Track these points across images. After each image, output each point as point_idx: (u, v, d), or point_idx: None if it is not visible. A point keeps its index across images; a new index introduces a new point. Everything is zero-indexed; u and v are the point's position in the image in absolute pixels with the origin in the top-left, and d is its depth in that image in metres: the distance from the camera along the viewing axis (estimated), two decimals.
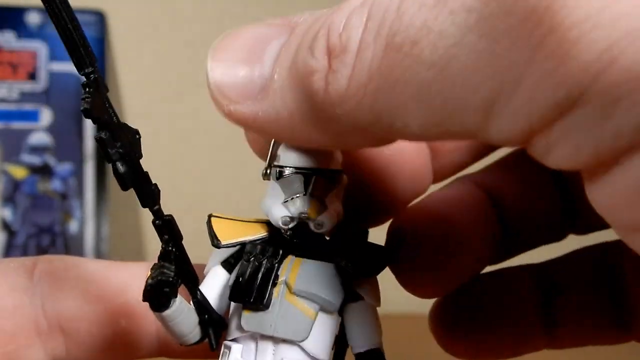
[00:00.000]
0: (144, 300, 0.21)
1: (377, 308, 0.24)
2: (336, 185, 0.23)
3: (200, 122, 0.90)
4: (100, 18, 0.81)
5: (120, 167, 0.20)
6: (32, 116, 0.78)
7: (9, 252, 0.75)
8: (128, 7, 0.87)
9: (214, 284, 0.24)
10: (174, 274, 0.22)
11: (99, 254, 0.77)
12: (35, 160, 0.78)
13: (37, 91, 0.78)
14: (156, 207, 0.21)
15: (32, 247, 0.76)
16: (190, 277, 0.23)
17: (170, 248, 0.22)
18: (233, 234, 0.23)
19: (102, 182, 0.79)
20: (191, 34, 0.90)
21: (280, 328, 0.22)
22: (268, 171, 0.24)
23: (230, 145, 0.92)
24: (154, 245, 0.89)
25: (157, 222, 0.21)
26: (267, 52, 0.21)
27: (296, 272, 0.22)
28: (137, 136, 0.21)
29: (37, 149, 0.78)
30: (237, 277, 0.22)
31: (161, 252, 0.22)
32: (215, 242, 0.23)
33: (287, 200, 0.23)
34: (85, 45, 0.20)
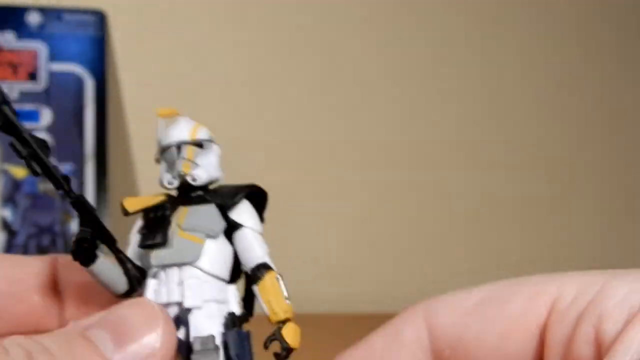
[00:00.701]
0: (74, 258, 0.28)
1: (259, 235, 0.29)
2: (205, 150, 0.31)
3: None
4: (100, 18, 0.81)
5: (29, 162, 0.27)
6: (32, 116, 0.78)
7: (9, 252, 0.75)
8: (128, 7, 0.87)
9: (133, 246, 0.30)
10: (90, 233, 0.28)
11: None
12: None
13: (37, 91, 0.78)
14: (67, 189, 0.27)
15: (32, 247, 0.76)
16: (108, 238, 0.29)
17: (84, 218, 0.28)
18: (138, 204, 0.31)
19: (102, 182, 0.79)
20: (191, 34, 0.90)
21: (176, 256, 0.28)
22: (158, 157, 0.31)
23: (230, 145, 0.92)
24: None
25: (72, 199, 0.28)
26: None
27: (184, 215, 0.29)
28: (44, 145, 0.27)
29: None
30: (141, 229, 0.30)
31: (79, 222, 0.28)
32: (124, 212, 0.31)
33: (168, 168, 0.30)
34: None
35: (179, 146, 0.30)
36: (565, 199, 1.06)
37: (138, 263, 0.30)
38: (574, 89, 1.07)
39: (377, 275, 0.96)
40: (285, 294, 0.29)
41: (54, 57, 0.79)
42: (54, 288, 0.31)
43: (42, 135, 0.78)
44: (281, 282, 0.29)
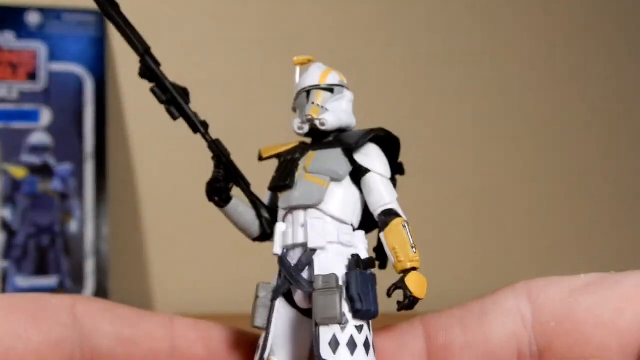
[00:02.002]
0: (209, 199, 0.30)
1: (387, 180, 0.29)
2: (337, 95, 0.31)
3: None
4: (100, 18, 0.81)
5: (168, 107, 0.29)
6: (32, 116, 0.78)
7: (8, 252, 0.75)
8: (128, 7, 0.87)
9: (268, 193, 0.31)
10: (223, 174, 0.30)
11: (98, 254, 0.77)
12: (35, 160, 0.78)
13: (37, 91, 0.78)
14: (205, 132, 0.30)
15: (31, 247, 0.76)
16: (242, 181, 0.30)
17: (220, 160, 0.30)
18: (273, 150, 0.31)
19: (102, 182, 0.79)
20: (191, 33, 0.90)
21: (302, 198, 0.28)
22: (294, 105, 0.32)
23: (229, 145, 0.92)
24: (153, 245, 0.89)
25: (208, 142, 0.30)
26: None
27: (311, 159, 0.29)
28: (186, 91, 0.29)
29: (37, 149, 0.78)
30: (273, 176, 0.30)
31: (215, 164, 0.30)
32: (259, 157, 0.31)
33: (299, 113, 0.31)
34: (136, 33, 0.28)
35: (308, 92, 0.31)
36: (566, 199, 1.06)
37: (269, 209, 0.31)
38: (574, 89, 1.07)
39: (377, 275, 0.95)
40: (412, 242, 0.29)
41: (53, 57, 0.79)
42: (169, 356, 0.30)
43: (42, 135, 0.78)
44: (407, 230, 0.29)
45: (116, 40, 0.84)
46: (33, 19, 0.80)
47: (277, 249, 0.29)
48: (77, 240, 0.77)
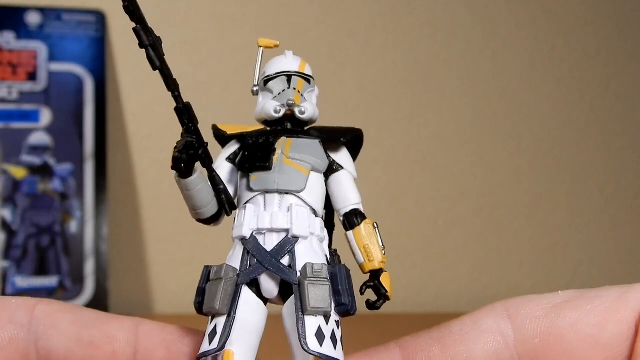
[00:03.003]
0: (173, 167, 0.28)
1: (355, 181, 0.29)
2: (312, 87, 0.30)
3: (200, 123, 0.90)
4: (100, 18, 0.81)
5: (151, 52, 0.26)
6: (32, 116, 0.78)
7: (8, 252, 0.75)
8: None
9: (222, 173, 0.29)
10: (196, 140, 0.27)
11: (98, 254, 0.77)
12: (35, 160, 0.78)
13: (37, 91, 0.78)
14: (177, 93, 0.27)
15: (31, 247, 0.76)
16: (207, 153, 0.28)
17: (190, 126, 0.27)
18: (236, 129, 0.30)
19: (101, 182, 0.79)
20: (191, 33, 0.90)
21: (282, 183, 0.27)
22: (255, 87, 0.30)
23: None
24: (153, 245, 0.89)
25: (178, 106, 0.27)
26: None
27: (289, 145, 0.28)
28: (159, 40, 0.27)
29: (37, 149, 0.78)
30: (243, 152, 0.28)
31: (184, 129, 0.27)
32: (221, 132, 0.30)
33: (275, 96, 0.29)
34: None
35: (289, 77, 0.31)
36: (566, 199, 1.06)
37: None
38: (574, 89, 1.07)
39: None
40: (382, 243, 0.29)
41: (53, 57, 0.79)
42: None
43: (42, 135, 0.78)
44: (378, 231, 0.29)
45: (116, 40, 0.84)
46: (33, 19, 0.80)
47: (245, 231, 0.27)
48: (77, 241, 0.77)
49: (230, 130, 0.30)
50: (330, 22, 0.96)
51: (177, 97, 0.27)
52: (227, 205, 0.28)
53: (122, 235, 0.86)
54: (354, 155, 0.30)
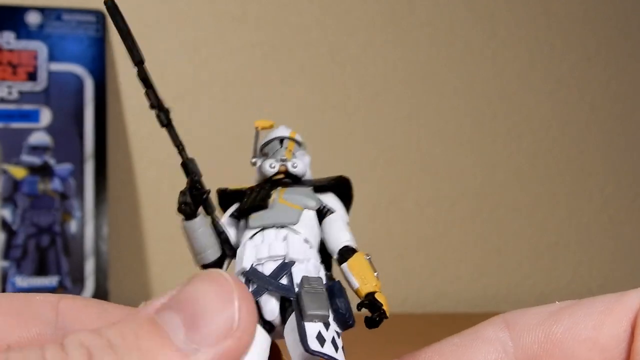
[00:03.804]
0: (178, 209, 0.30)
1: (346, 223, 0.31)
2: (302, 150, 0.34)
3: (200, 122, 0.90)
4: (100, 18, 0.81)
5: (158, 112, 0.30)
6: (32, 116, 0.78)
7: (8, 252, 0.75)
8: (128, 7, 0.87)
9: (227, 228, 0.31)
10: (200, 187, 0.30)
11: (98, 254, 0.77)
12: (35, 160, 0.78)
13: (37, 91, 0.78)
14: (182, 148, 0.30)
15: (31, 247, 0.76)
16: (209, 205, 0.30)
17: (194, 177, 0.30)
18: (237, 186, 0.32)
19: (101, 182, 0.79)
20: (191, 33, 0.90)
21: (278, 218, 0.30)
22: (254, 159, 0.34)
23: (230, 145, 0.92)
24: (153, 245, 0.89)
25: (184, 161, 0.30)
26: None
27: (283, 192, 0.31)
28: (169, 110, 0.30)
29: (37, 149, 0.78)
30: (243, 201, 0.31)
31: (188, 180, 0.30)
32: (222, 194, 0.32)
33: (270, 156, 0.33)
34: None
35: (281, 140, 0.34)
36: (566, 199, 1.06)
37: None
38: (575, 88, 1.07)
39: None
40: (375, 270, 0.30)
41: (53, 57, 0.79)
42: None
43: (42, 135, 0.78)
44: (370, 261, 0.30)
45: (116, 40, 0.84)
46: (33, 19, 0.80)
47: (246, 263, 0.28)
48: (77, 240, 0.77)
49: (232, 186, 0.33)
50: (330, 22, 0.96)
51: (182, 152, 0.30)
52: (227, 248, 0.31)
53: (122, 235, 0.86)
54: (347, 204, 0.33)
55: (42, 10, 0.80)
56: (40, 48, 0.79)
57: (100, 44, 0.81)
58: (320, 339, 0.26)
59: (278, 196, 0.31)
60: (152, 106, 0.30)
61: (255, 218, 0.30)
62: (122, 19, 0.31)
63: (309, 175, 0.33)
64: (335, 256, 0.31)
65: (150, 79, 0.29)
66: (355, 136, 0.97)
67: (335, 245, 0.31)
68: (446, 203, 1.00)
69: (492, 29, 1.03)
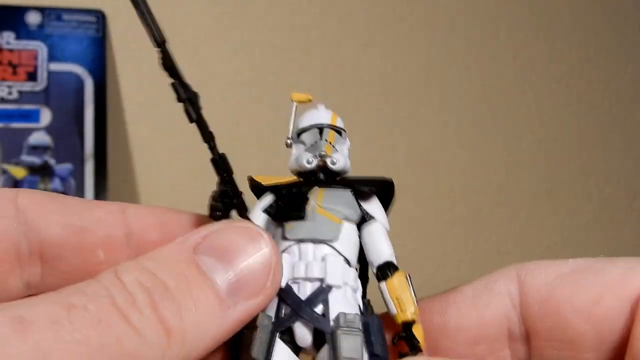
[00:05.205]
0: (210, 215, 0.28)
1: (387, 232, 0.30)
2: (343, 139, 0.31)
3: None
4: (100, 18, 0.81)
5: (188, 106, 0.27)
6: (32, 116, 0.78)
7: None
8: (128, 7, 0.87)
9: (258, 223, 0.29)
10: (231, 189, 0.28)
11: None
12: (35, 160, 0.78)
13: (37, 91, 0.78)
14: (212, 144, 0.28)
15: None
16: (242, 201, 0.28)
17: (225, 176, 0.28)
18: (271, 180, 0.30)
19: (101, 182, 0.79)
20: (191, 34, 0.90)
21: (316, 232, 0.28)
22: (289, 140, 0.31)
23: (230, 145, 0.92)
24: None
25: (214, 157, 0.28)
26: None
27: (321, 195, 0.29)
28: (197, 95, 0.27)
29: (37, 149, 0.78)
30: (277, 203, 0.29)
31: (219, 179, 0.29)
32: (257, 184, 0.30)
33: (308, 148, 0.30)
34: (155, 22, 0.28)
35: (321, 129, 0.31)
36: (566, 199, 1.06)
37: None
38: (574, 88, 1.07)
39: None
40: (414, 296, 0.29)
41: (53, 57, 0.79)
42: (124, 243, 0.29)
43: (42, 135, 0.78)
44: (410, 282, 0.29)
45: (116, 40, 0.84)
46: (33, 19, 0.80)
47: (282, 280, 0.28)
48: None
49: (265, 181, 0.30)
50: (330, 22, 0.96)
51: (212, 148, 0.29)
52: None
53: None
54: (386, 206, 0.31)
55: (42, 10, 0.80)
56: (40, 48, 0.79)
57: (100, 44, 0.81)
58: None
59: (316, 202, 0.29)
60: (179, 99, 0.28)
61: (292, 229, 0.28)
62: None
63: (349, 168, 0.31)
64: (374, 270, 0.29)
65: (176, 66, 0.27)
66: (355, 136, 0.97)
67: (376, 258, 0.29)
68: (446, 203, 1.00)
69: (492, 29, 1.03)
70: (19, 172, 0.77)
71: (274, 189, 0.30)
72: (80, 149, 0.79)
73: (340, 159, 0.30)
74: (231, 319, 0.24)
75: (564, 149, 1.06)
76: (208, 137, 0.28)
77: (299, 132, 0.31)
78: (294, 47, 0.94)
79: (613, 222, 1.07)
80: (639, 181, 1.09)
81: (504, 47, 1.03)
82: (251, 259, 0.25)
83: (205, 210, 0.29)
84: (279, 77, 0.93)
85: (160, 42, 0.28)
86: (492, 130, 1.02)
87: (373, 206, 0.30)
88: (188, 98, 0.27)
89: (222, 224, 0.26)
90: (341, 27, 0.96)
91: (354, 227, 0.29)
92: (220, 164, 0.29)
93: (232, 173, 0.29)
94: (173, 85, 0.27)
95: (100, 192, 0.79)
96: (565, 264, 0.29)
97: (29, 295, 0.27)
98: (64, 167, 0.78)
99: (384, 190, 0.31)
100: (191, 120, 0.28)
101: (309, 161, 0.30)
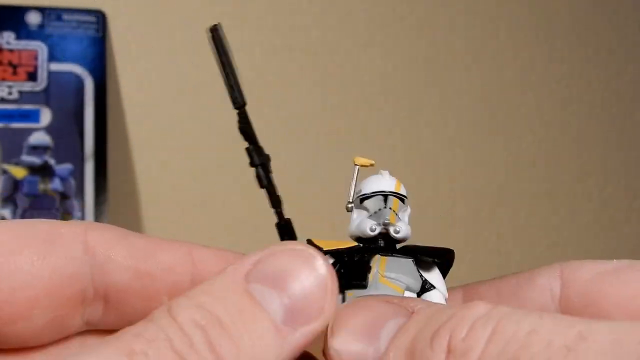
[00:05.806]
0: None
1: (446, 301, 0.30)
2: (405, 206, 0.32)
3: (201, 123, 0.90)
4: (100, 18, 0.81)
5: (260, 171, 0.27)
6: (32, 116, 0.78)
7: None
8: (128, 7, 0.87)
9: None
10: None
11: None
12: (35, 160, 0.78)
13: (37, 91, 0.78)
14: (280, 210, 0.28)
15: None
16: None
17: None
18: (333, 245, 0.30)
19: (101, 182, 0.79)
20: (191, 34, 0.90)
21: None
22: (350, 205, 0.31)
23: (230, 145, 0.92)
24: None
25: (280, 222, 0.28)
26: (383, 331, 0.24)
27: (384, 264, 0.29)
28: (269, 159, 0.27)
29: (37, 149, 0.78)
30: (339, 269, 0.29)
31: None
32: (318, 248, 0.29)
33: (371, 215, 0.31)
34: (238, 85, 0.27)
35: (385, 196, 0.32)
36: (566, 199, 1.06)
37: None
38: (574, 88, 1.07)
39: None
40: None
41: (53, 57, 0.79)
42: (189, 288, 0.27)
43: (42, 135, 0.78)
44: None
45: (116, 40, 0.84)
46: (33, 19, 0.80)
47: None
48: None
49: (325, 246, 0.30)
50: (331, 22, 0.96)
51: (279, 214, 0.28)
52: None
53: None
54: (444, 273, 0.31)
55: (42, 10, 0.80)
56: (40, 48, 0.79)
57: (100, 44, 0.81)
58: None
59: (379, 271, 0.29)
60: (252, 164, 0.27)
61: (353, 297, 0.28)
62: (227, 49, 0.28)
63: (410, 235, 0.31)
64: None
65: (253, 130, 0.27)
66: (355, 136, 0.97)
67: None
68: (446, 203, 1.00)
69: (492, 29, 1.03)
70: (19, 172, 0.77)
71: (335, 254, 0.30)
72: (80, 149, 0.79)
73: (403, 228, 0.31)
74: (290, 347, 0.23)
75: (564, 149, 1.06)
76: (276, 202, 0.28)
77: (362, 198, 0.32)
78: (294, 47, 0.94)
79: (613, 222, 1.07)
80: (639, 181, 1.09)
81: (504, 47, 1.03)
82: (306, 282, 0.24)
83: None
84: (279, 77, 0.93)
85: (240, 105, 0.28)
86: (492, 130, 1.02)
87: (434, 276, 0.30)
88: (262, 163, 0.27)
89: (272, 247, 0.25)
90: (341, 27, 0.96)
91: (414, 296, 0.29)
92: (286, 230, 0.29)
93: (296, 239, 0.29)
94: (247, 150, 0.28)
95: (100, 192, 0.79)
96: (609, 264, 0.29)
97: (87, 331, 0.28)
98: (64, 167, 0.78)
99: (445, 261, 0.31)
100: (262, 186, 0.28)
101: (373, 229, 0.30)
